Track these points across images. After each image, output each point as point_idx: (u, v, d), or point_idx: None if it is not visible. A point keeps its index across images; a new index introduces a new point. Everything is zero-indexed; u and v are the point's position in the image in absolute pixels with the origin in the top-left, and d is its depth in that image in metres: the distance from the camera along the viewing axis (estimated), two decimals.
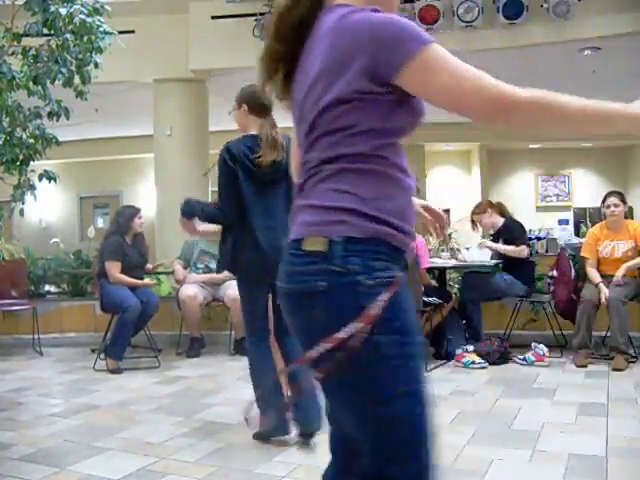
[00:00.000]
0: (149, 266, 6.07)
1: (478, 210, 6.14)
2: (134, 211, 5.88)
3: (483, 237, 6.81)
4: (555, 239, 7.36)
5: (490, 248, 5.93)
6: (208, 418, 3.84)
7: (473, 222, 6.16)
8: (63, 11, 4.09)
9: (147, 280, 5.98)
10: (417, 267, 5.42)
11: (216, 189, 3.53)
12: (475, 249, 6.17)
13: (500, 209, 6.11)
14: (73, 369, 5.77)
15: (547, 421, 3.77)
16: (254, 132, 3.50)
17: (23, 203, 4.50)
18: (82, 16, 4.14)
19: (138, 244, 5.88)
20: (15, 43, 4.32)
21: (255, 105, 3.52)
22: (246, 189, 3.41)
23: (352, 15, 1.40)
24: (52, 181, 4.56)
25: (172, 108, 7.50)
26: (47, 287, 7.72)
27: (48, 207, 12.82)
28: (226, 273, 4.69)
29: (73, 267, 7.65)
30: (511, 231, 5.89)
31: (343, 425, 1.53)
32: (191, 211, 3.54)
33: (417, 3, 6.30)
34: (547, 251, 7.31)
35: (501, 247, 5.83)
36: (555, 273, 5.65)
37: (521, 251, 5.76)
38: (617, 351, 5.12)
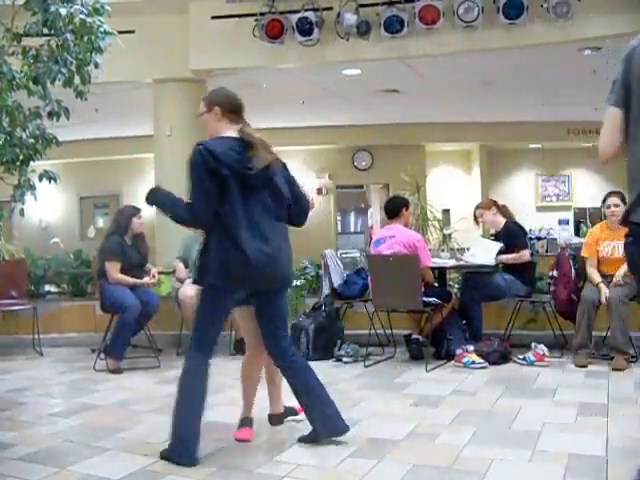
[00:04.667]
0: (151, 268, 6.01)
1: (482, 205, 6.15)
2: (134, 211, 5.87)
3: (483, 235, 6.81)
4: (555, 239, 7.37)
5: (499, 260, 5.82)
6: (208, 418, 3.83)
7: (475, 218, 6.15)
8: (63, 11, 4.08)
9: (146, 279, 5.86)
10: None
11: None
12: (473, 248, 6.17)
13: (504, 211, 6.11)
14: (73, 369, 5.77)
15: (547, 421, 3.76)
16: (232, 135, 3.37)
17: (23, 203, 4.49)
18: (82, 16, 4.13)
19: (138, 244, 5.87)
20: (15, 43, 4.30)
21: (231, 107, 3.45)
22: (235, 195, 3.22)
23: None
24: (52, 181, 4.55)
25: (172, 108, 7.49)
26: (47, 287, 7.72)
27: (48, 207, 12.80)
28: None
29: (73, 267, 7.65)
30: (511, 235, 5.87)
31: None
32: (157, 201, 3.37)
33: (417, 3, 6.29)
34: (547, 251, 7.33)
35: (505, 257, 5.77)
36: (555, 273, 5.64)
37: (523, 256, 5.76)
38: (617, 351, 5.11)
